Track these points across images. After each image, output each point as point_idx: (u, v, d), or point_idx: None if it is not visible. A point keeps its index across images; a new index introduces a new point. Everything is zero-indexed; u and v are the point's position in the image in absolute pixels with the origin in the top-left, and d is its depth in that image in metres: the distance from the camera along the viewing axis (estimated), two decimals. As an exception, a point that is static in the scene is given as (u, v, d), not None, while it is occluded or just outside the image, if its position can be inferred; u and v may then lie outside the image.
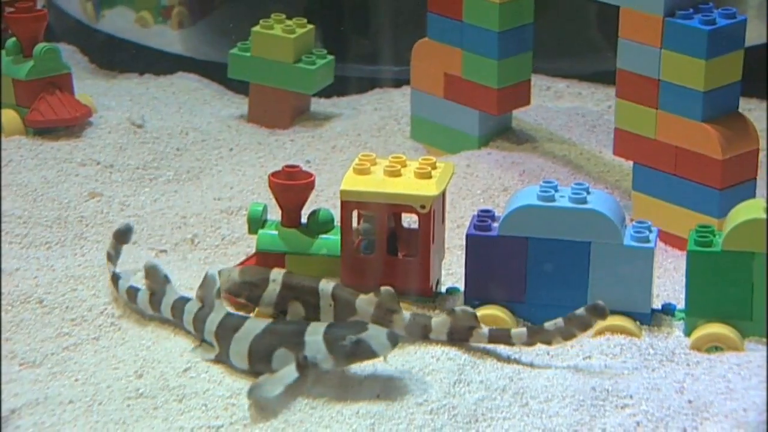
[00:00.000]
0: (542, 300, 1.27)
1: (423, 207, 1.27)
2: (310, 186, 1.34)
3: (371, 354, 1.16)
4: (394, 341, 1.16)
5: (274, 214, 1.36)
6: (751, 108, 1.79)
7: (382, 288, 1.23)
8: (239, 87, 1.87)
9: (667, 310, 1.32)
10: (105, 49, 2.02)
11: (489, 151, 1.69)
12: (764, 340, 1.25)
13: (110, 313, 1.33)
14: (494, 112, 1.68)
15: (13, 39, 1.73)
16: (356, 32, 1.91)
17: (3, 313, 1.32)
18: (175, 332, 1.29)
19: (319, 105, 1.86)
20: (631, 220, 1.45)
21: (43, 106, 1.71)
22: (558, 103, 1.85)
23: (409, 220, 1.36)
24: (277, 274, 1.26)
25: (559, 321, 1.20)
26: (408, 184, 1.28)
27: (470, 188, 1.60)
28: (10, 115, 1.72)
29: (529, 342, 1.21)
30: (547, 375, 1.21)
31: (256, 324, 1.21)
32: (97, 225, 1.53)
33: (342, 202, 1.29)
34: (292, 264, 1.32)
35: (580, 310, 1.19)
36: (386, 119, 1.81)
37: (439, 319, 1.23)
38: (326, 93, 1.85)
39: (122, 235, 1.36)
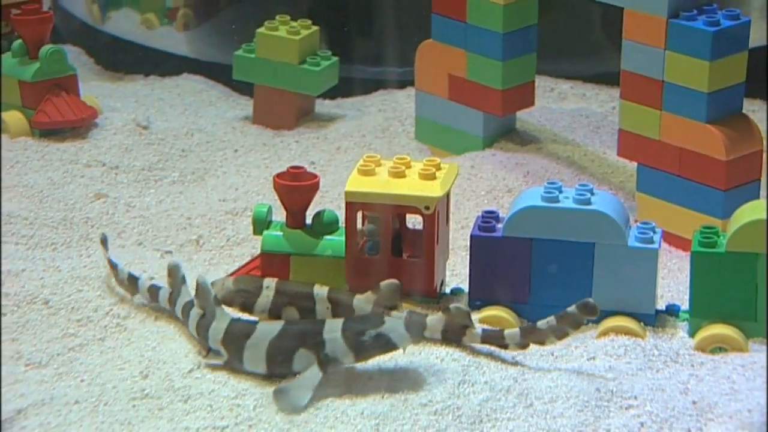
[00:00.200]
0: (546, 301, 1.27)
1: (427, 208, 1.27)
2: (315, 187, 1.34)
3: (391, 347, 1.16)
4: (413, 332, 1.16)
5: (279, 215, 1.37)
6: (754, 109, 1.79)
7: (383, 282, 1.23)
8: (244, 88, 1.87)
9: (672, 311, 1.32)
10: (110, 51, 2.02)
11: (493, 152, 1.69)
12: (766, 340, 1.25)
13: (116, 314, 1.33)
14: (498, 114, 1.68)
15: (19, 41, 1.73)
16: (361, 34, 1.91)
17: (9, 314, 1.33)
18: (180, 333, 1.30)
19: (323, 106, 1.86)
20: (636, 221, 1.45)
21: (48, 107, 1.72)
22: (562, 105, 1.85)
23: (414, 221, 1.37)
24: (270, 282, 1.27)
25: (551, 320, 1.20)
26: (412, 185, 1.29)
27: (474, 189, 1.61)
28: (16, 117, 1.73)
29: (523, 343, 1.21)
30: (551, 376, 1.21)
31: (269, 327, 1.21)
32: (103, 226, 1.54)
33: (347, 203, 1.29)
34: (297, 265, 1.33)
35: (572, 308, 1.19)
36: (390, 120, 1.81)
37: (434, 317, 1.24)
38: (331, 94, 1.85)
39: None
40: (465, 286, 1.34)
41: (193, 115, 1.83)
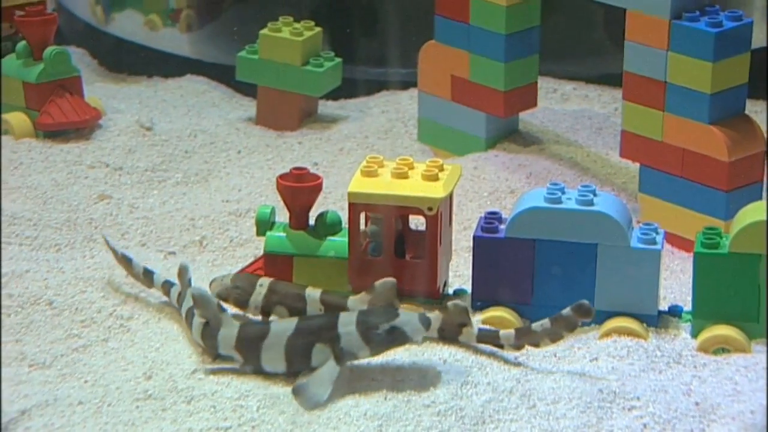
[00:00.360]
0: (549, 302, 1.27)
1: (430, 209, 1.28)
2: (318, 188, 1.34)
3: (406, 339, 1.17)
4: (427, 324, 1.16)
5: (282, 216, 1.37)
6: (757, 110, 1.79)
7: (378, 282, 1.23)
8: (247, 89, 1.87)
9: (674, 312, 1.32)
10: (114, 52, 2.03)
11: (496, 153, 1.69)
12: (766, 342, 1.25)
13: (119, 315, 1.33)
14: (501, 115, 1.68)
15: (24, 42, 1.74)
16: (363, 35, 1.91)
17: (13, 315, 1.33)
18: (183, 334, 1.30)
19: (326, 107, 1.86)
20: (638, 222, 1.45)
21: (52, 109, 1.72)
22: (565, 106, 1.86)
23: (417, 222, 1.37)
24: (265, 280, 1.28)
25: (546, 322, 1.20)
26: (415, 187, 1.29)
27: (477, 190, 1.61)
28: (20, 118, 1.73)
29: (518, 344, 1.22)
30: (554, 377, 1.21)
31: (283, 326, 1.21)
32: (107, 227, 1.54)
33: (350, 205, 1.29)
34: (300, 266, 1.33)
35: (566, 310, 1.20)
36: (393, 121, 1.81)
37: (431, 315, 1.24)
38: (334, 95, 1.85)
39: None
40: (468, 287, 1.34)
41: (197, 116, 1.84)
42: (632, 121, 1.53)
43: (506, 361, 1.24)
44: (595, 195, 1.28)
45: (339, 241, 1.33)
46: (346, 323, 1.18)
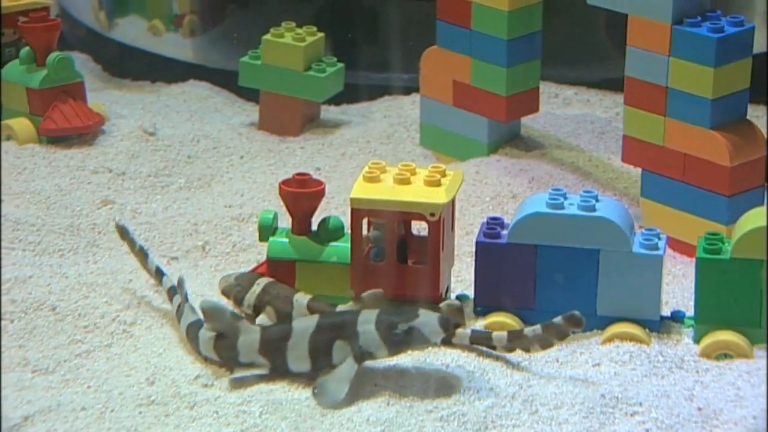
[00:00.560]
0: (551, 307, 1.28)
1: (432, 215, 1.28)
2: (321, 194, 1.34)
3: (424, 341, 1.17)
4: (446, 327, 1.16)
5: (285, 221, 1.37)
6: (758, 115, 1.79)
7: (365, 293, 1.23)
8: (250, 95, 1.87)
9: (677, 317, 1.32)
10: (117, 58, 2.03)
11: (498, 158, 1.70)
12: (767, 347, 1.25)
13: (122, 320, 1.34)
14: (503, 120, 1.69)
15: (27, 48, 1.74)
16: (366, 40, 1.92)
17: (16, 321, 1.33)
18: (186, 340, 1.30)
19: (328, 112, 1.87)
20: (640, 227, 1.45)
21: (56, 114, 1.73)
22: (566, 111, 1.86)
23: (419, 228, 1.37)
24: (263, 280, 1.28)
25: (537, 328, 1.21)
26: (418, 192, 1.29)
27: (479, 195, 1.61)
28: (23, 124, 1.74)
29: (509, 347, 1.22)
30: (556, 382, 1.21)
31: (305, 324, 1.20)
32: (110, 232, 1.54)
33: (352, 210, 1.30)
34: (303, 272, 1.33)
35: (558, 319, 1.20)
36: (395, 126, 1.82)
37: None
38: (336, 100, 1.86)
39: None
40: (470, 293, 1.34)
41: (199, 121, 1.84)
42: (634, 126, 1.53)
43: (508, 366, 1.24)
44: (597, 200, 1.28)
45: (341, 247, 1.33)
46: (366, 321, 1.18)
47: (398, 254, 1.31)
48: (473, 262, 1.31)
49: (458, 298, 1.35)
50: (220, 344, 1.23)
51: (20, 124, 1.74)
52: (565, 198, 1.29)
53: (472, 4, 1.65)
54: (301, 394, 1.20)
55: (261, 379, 1.22)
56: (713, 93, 1.46)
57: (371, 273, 1.30)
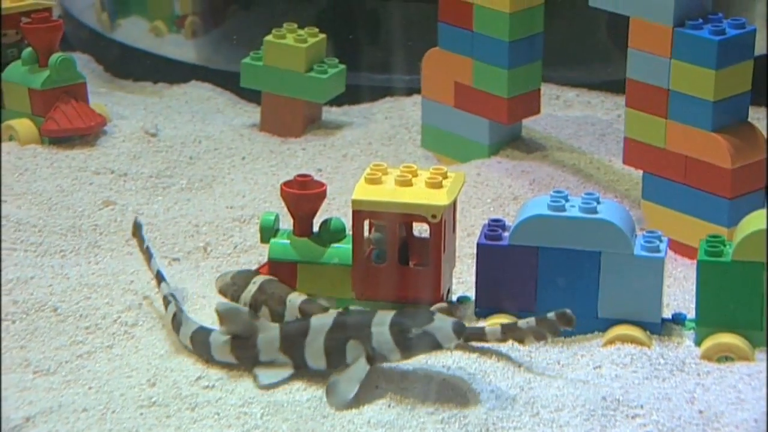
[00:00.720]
0: (552, 309, 1.27)
1: (434, 217, 1.28)
2: (322, 196, 1.34)
3: (436, 346, 1.16)
4: (459, 332, 1.16)
5: (287, 223, 1.37)
6: (759, 117, 1.79)
7: (352, 308, 1.24)
8: (252, 96, 1.88)
9: (678, 319, 1.32)
10: (119, 59, 2.03)
11: (499, 159, 1.70)
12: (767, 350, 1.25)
13: (124, 322, 1.34)
14: (504, 121, 1.69)
15: (29, 49, 1.75)
16: (367, 41, 1.92)
17: (18, 322, 1.34)
18: (191, 347, 1.30)
19: (330, 114, 1.87)
20: (642, 229, 1.45)
21: (58, 115, 1.73)
22: (568, 112, 1.86)
23: (421, 229, 1.37)
24: (259, 278, 1.29)
25: (532, 320, 1.21)
26: (419, 194, 1.29)
27: (480, 197, 1.61)
28: (25, 125, 1.74)
29: (503, 338, 1.22)
30: (557, 384, 1.21)
31: (322, 321, 1.20)
32: (111, 233, 1.54)
33: (353, 212, 1.30)
34: (304, 273, 1.33)
35: (551, 314, 1.20)
36: (397, 128, 1.82)
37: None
38: (338, 102, 1.86)
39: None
40: (471, 295, 1.34)
41: (201, 122, 1.84)
42: (635, 128, 1.53)
43: (510, 368, 1.24)
44: (598, 203, 1.29)
45: (343, 248, 1.33)
46: (380, 323, 1.18)
47: (399, 256, 1.31)
48: (474, 264, 1.31)
49: (460, 300, 1.35)
50: (237, 345, 1.23)
51: (22, 125, 1.74)
52: (567, 200, 1.29)
53: (473, 5, 1.65)
54: (302, 395, 1.20)
55: (303, 373, 1.20)
56: (714, 95, 1.46)
57: (372, 275, 1.30)
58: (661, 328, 1.29)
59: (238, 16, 2.01)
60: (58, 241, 1.52)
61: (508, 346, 1.26)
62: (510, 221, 1.32)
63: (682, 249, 1.50)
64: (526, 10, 1.64)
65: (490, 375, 1.22)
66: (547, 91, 1.85)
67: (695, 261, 1.28)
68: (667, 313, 1.32)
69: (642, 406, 1.17)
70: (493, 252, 1.29)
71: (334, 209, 1.56)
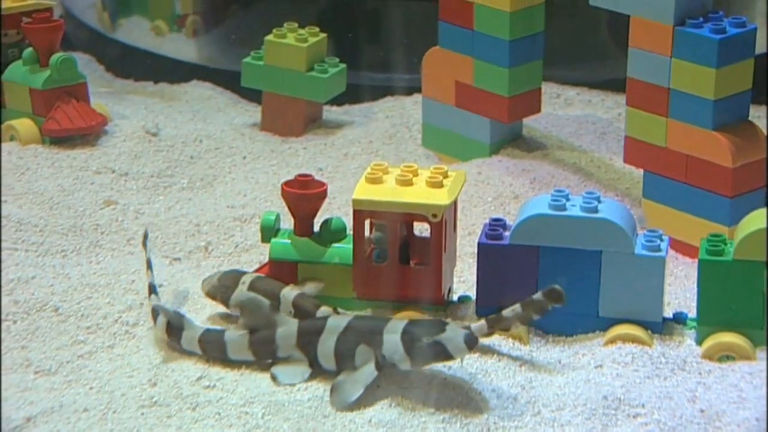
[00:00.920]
0: (553, 309, 1.27)
1: (435, 216, 1.28)
2: (323, 195, 1.34)
3: (447, 356, 1.16)
4: (471, 344, 1.15)
5: (287, 222, 1.37)
6: (760, 116, 1.79)
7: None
8: (252, 95, 1.88)
9: (679, 318, 1.32)
10: (120, 58, 2.03)
11: (500, 158, 1.70)
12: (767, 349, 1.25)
13: (125, 321, 1.34)
14: (505, 120, 1.69)
15: (30, 49, 1.75)
16: (368, 41, 1.92)
17: (19, 321, 1.34)
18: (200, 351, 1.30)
19: (331, 113, 1.87)
20: (642, 228, 1.45)
21: (59, 115, 1.73)
22: (568, 111, 1.86)
23: (421, 229, 1.37)
24: (248, 277, 1.29)
25: (517, 307, 1.20)
26: (420, 193, 1.29)
27: (481, 196, 1.61)
28: (26, 124, 1.74)
29: (489, 332, 1.21)
30: (558, 384, 1.21)
31: (337, 322, 1.20)
32: (112, 233, 1.54)
33: (354, 211, 1.30)
34: (304, 272, 1.33)
35: (538, 294, 1.19)
36: (398, 127, 1.82)
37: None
38: (338, 101, 1.86)
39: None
40: (472, 294, 1.34)
41: (202, 121, 1.84)
42: (636, 127, 1.53)
43: (511, 367, 1.24)
44: (599, 202, 1.28)
45: (343, 248, 1.33)
46: (393, 330, 1.17)
47: (400, 255, 1.31)
48: (475, 263, 1.31)
49: (461, 299, 1.35)
50: (256, 341, 1.22)
51: (23, 125, 1.74)
52: (568, 199, 1.29)
53: (474, 4, 1.65)
54: (304, 395, 1.20)
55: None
56: (715, 94, 1.45)
57: (373, 274, 1.30)
58: (663, 327, 1.29)
59: (238, 16, 2.01)
60: (59, 240, 1.52)
61: (509, 346, 1.26)
62: (511, 220, 1.32)
63: (683, 248, 1.50)
64: (526, 9, 1.64)
65: (491, 374, 1.22)
66: (548, 89, 1.85)
67: (696, 260, 1.28)
68: (668, 312, 1.32)
69: (643, 405, 1.17)
70: (494, 251, 1.29)
71: (335, 208, 1.56)
